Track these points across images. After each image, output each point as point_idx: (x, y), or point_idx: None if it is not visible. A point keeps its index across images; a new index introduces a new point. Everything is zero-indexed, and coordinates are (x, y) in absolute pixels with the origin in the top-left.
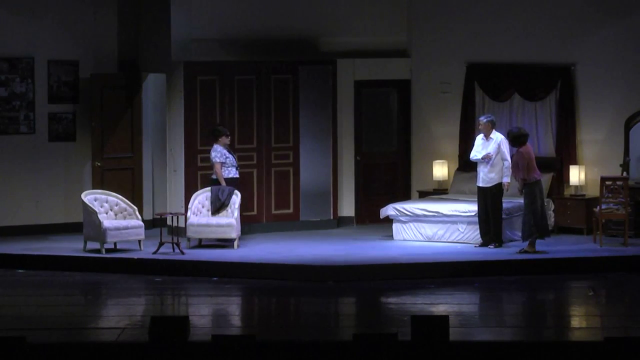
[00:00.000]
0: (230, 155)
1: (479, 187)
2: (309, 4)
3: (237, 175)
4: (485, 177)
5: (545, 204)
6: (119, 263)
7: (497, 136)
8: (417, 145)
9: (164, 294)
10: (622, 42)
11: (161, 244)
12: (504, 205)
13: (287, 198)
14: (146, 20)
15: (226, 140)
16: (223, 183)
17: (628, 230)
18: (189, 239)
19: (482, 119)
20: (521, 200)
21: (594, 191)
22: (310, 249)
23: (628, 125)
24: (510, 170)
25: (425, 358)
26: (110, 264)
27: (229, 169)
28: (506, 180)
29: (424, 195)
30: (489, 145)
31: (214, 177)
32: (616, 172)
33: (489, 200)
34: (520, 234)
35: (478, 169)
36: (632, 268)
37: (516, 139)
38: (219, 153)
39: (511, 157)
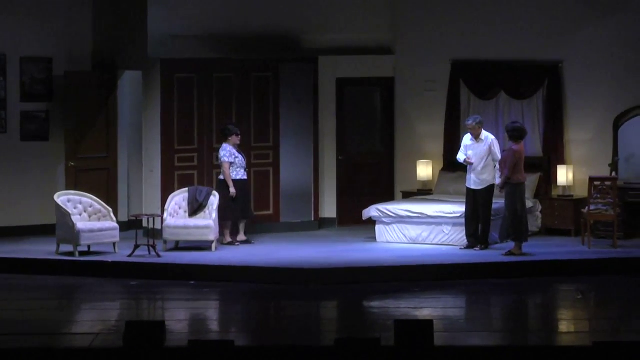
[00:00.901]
0: (239, 156)
1: (468, 189)
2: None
3: (245, 177)
4: (476, 179)
5: (532, 204)
6: (93, 266)
7: (487, 137)
8: (400, 144)
9: (139, 298)
10: (611, 39)
11: (137, 246)
12: (492, 206)
13: (267, 199)
14: (122, 16)
15: (236, 139)
16: (231, 184)
17: (617, 232)
18: (165, 242)
19: (470, 122)
20: None
21: (582, 192)
22: (290, 251)
23: (617, 124)
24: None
25: None
26: (84, 267)
27: (237, 170)
28: (498, 181)
29: (407, 196)
30: (480, 147)
31: (222, 177)
32: (605, 172)
33: (480, 202)
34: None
35: (468, 170)
36: (622, 270)
37: (516, 131)
38: (228, 152)
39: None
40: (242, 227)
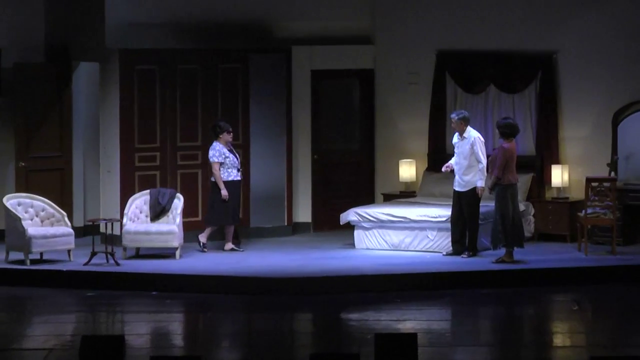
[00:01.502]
0: (230, 155)
1: (454, 191)
2: None
3: (239, 178)
4: (460, 180)
5: (524, 208)
6: (46, 275)
7: (471, 135)
8: (381, 142)
9: (96, 311)
10: (610, 27)
11: (93, 254)
12: (480, 209)
13: None
14: (78, 3)
15: (228, 137)
16: (222, 185)
17: (616, 238)
18: (125, 249)
19: (454, 116)
20: None
21: (578, 194)
22: (261, 258)
23: (616, 120)
24: (485, 172)
25: None
26: (36, 277)
27: (229, 170)
28: (480, 184)
29: (389, 198)
30: (463, 145)
31: (213, 179)
32: (603, 172)
33: (465, 205)
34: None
35: (454, 171)
36: (621, 279)
37: (507, 128)
38: (217, 152)
39: (488, 156)
40: (230, 232)
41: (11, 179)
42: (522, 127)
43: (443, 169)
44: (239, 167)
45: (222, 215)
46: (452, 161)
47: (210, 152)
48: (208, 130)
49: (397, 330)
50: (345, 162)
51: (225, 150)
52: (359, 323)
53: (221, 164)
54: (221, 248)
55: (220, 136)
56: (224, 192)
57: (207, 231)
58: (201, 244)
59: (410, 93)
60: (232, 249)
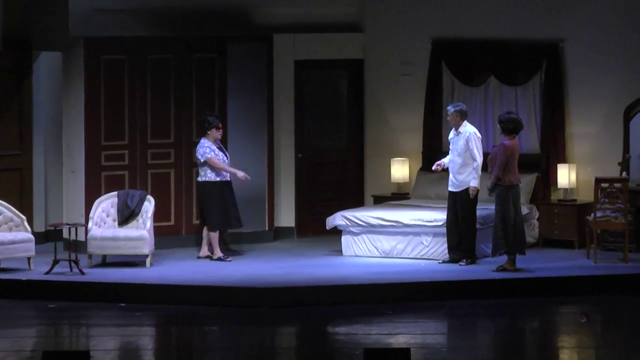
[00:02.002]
0: (220, 153)
1: (449, 192)
2: None
3: (228, 178)
4: (454, 179)
5: (527, 211)
6: (3, 285)
7: (466, 130)
8: (371, 139)
9: (59, 324)
10: (620, 14)
11: (56, 262)
12: (478, 212)
13: None
14: None
15: (217, 134)
16: (233, 170)
17: (628, 244)
18: (90, 256)
19: (450, 109)
20: None
21: (586, 195)
22: (240, 267)
23: (628, 115)
24: (479, 171)
25: None
26: None
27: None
28: (474, 184)
29: (380, 201)
30: (458, 141)
31: (201, 178)
32: (614, 172)
33: (460, 208)
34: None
35: (449, 169)
36: (633, 289)
37: (510, 123)
38: (207, 149)
39: (486, 154)
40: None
41: None
42: (526, 122)
43: (434, 168)
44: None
45: (226, 218)
46: (446, 159)
47: (200, 150)
48: (195, 126)
49: (389, 345)
50: (331, 161)
51: (214, 147)
52: (347, 337)
53: (203, 163)
54: (196, 255)
55: (209, 132)
56: (241, 173)
57: (216, 241)
58: (222, 257)
59: (403, 85)
60: (219, 258)
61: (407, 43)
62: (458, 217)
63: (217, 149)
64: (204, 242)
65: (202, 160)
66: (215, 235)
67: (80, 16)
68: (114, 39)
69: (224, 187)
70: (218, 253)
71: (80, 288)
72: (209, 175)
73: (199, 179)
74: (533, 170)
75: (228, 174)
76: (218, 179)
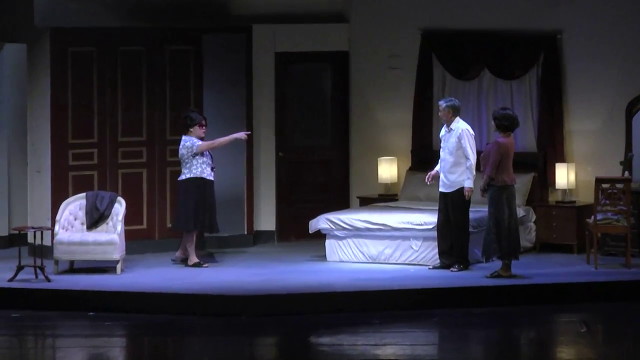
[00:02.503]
0: (205, 152)
1: (440, 193)
2: None
3: (212, 178)
4: (445, 179)
5: (523, 213)
6: None
7: (458, 126)
8: (357, 137)
9: (23, 334)
10: (622, 3)
11: (20, 268)
12: (471, 215)
13: None
14: None
15: (200, 131)
16: (227, 139)
17: (631, 248)
18: (57, 262)
19: (441, 103)
20: None
21: (586, 197)
22: (218, 273)
23: (630, 111)
24: (474, 171)
25: None
26: None
27: (202, 167)
28: (468, 184)
29: (366, 202)
30: (449, 138)
31: (183, 177)
32: (615, 171)
33: (451, 210)
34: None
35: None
36: (636, 296)
37: (505, 120)
38: (194, 140)
39: (480, 152)
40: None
41: None
42: (522, 119)
43: (426, 181)
44: (213, 166)
45: (198, 219)
46: (437, 167)
47: (187, 144)
48: (169, 124)
49: (376, 356)
50: (315, 160)
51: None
52: (331, 348)
53: (194, 155)
54: (171, 259)
55: (191, 130)
56: (240, 134)
57: (191, 244)
58: (200, 264)
59: (391, 79)
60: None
61: (395, 34)
62: (449, 219)
63: None
64: (182, 243)
65: (194, 150)
66: (190, 239)
67: (47, 5)
68: (82, 30)
69: (206, 186)
70: (194, 259)
71: (46, 296)
72: (194, 171)
73: (182, 177)
74: (529, 170)
75: (212, 174)
76: (203, 176)
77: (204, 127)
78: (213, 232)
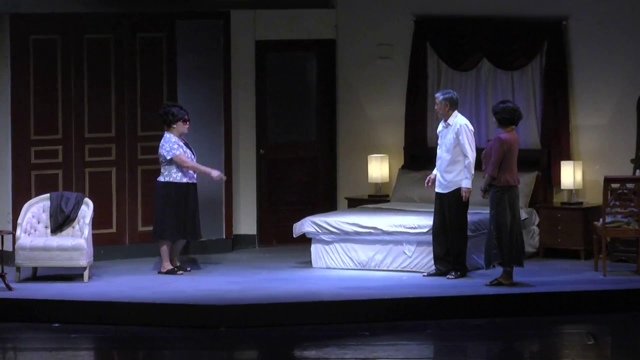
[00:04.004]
0: (188, 151)
1: (436, 194)
2: None
3: (195, 180)
4: (441, 178)
5: (526, 216)
6: None
7: (456, 121)
8: (345, 133)
9: None
10: None
11: None
12: (470, 217)
13: None
14: None
15: (184, 127)
16: (207, 169)
17: None
18: (18, 269)
19: (438, 96)
20: None
21: (594, 198)
22: (193, 281)
23: None
24: (472, 170)
25: None
26: None
27: (184, 170)
28: (466, 185)
29: (355, 204)
30: (447, 134)
31: (163, 178)
32: (626, 170)
33: (447, 212)
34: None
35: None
36: None
37: (506, 113)
38: (174, 144)
39: (480, 149)
40: (177, 248)
41: None
42: (524, 112)
43: (426, 184)
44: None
45: (180, 227)
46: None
47: (166, 146)
48: (155, 118)
49: None
50: (299, 158)
51: (181, 143)
52: None
53: (170, 160)
54: (146, 266)
55: (174, 126)
56: (216, 172)
57: (166, 251)
58: (174, 270)
59: (382, 70)
60: (173, 270)
61: (386, 20)
62: (446, 222)
63: (184, 145)
64: (172, 253)
65: (168, 158)
66: (167, 244)
67: None
68: (44, 16)
69: (189, 190)
70: (167, 266)
71: (6, 306)
72: (173, 175)
73: (161, 178)
74: (532, 168)
75: (196, 174)
76: (184, 180)
77: (187, 123)
78: (196, 239)
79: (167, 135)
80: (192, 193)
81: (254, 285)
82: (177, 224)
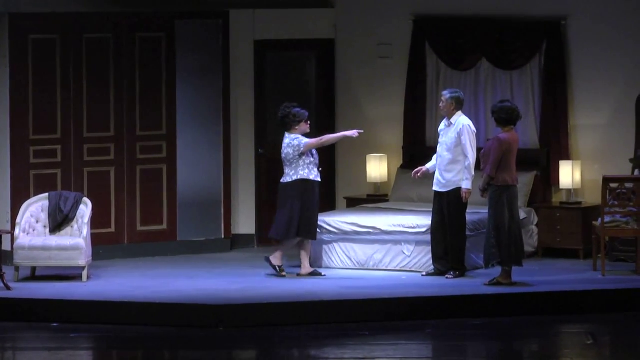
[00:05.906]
0: (313, 150)
1: (434, 193)
2: None
3: (319, 179)
4: (440, 177)
5: (525, 215)
6: None
7: (459, 121)
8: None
9: None
10: None
11: None
12: (469, 217)
13: (160, 209)
14: None
15: (305, 127)
16: (337, 136)
17: None
18: (17, 268)
19: (445, 94)
20: None
21: (593, 197)
22: (191, 281)
23: None
24: (472, 170)
25: None
26: None
27: (309, 167)
28: (466, 186)
29: (354, 203)
30: (449, 133)
31: (290, 178)
32: (625, 170)
33: (446, 211)
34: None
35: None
36: None
37: (504, 113)
38: (297, 137)
39: (480, 150)
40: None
41: None
42: (523, 112)
43: (413, 175)
44: (320, 167)
45: (294, 228)
46: (430, 164)
47: (294, 143)
48: (146, 117)
49: None
50: None
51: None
52: None
53: (301, 155)
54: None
55: (296, 127)
56: (351, 132)
57: (282, 250)
58: (277, 268)
59: (381, 69)
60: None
61: (385, 20)
62: (445, 222)
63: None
64: (281, 250)
65: (301, 150)
66: (306, 246)
67: None
68: (43, 16)
69: (314, 189)
70: (308, 268)
71: (5, 305)
72: (300, 173)
73: (288, 179)
74: (531, 168)
75: (319, 175)
76: (310, 177)
77: (308, 123)
78: (311, 238)
79: (289, 135)
80: (316, 191)
81: (253, 285)
82: (299, 223)
